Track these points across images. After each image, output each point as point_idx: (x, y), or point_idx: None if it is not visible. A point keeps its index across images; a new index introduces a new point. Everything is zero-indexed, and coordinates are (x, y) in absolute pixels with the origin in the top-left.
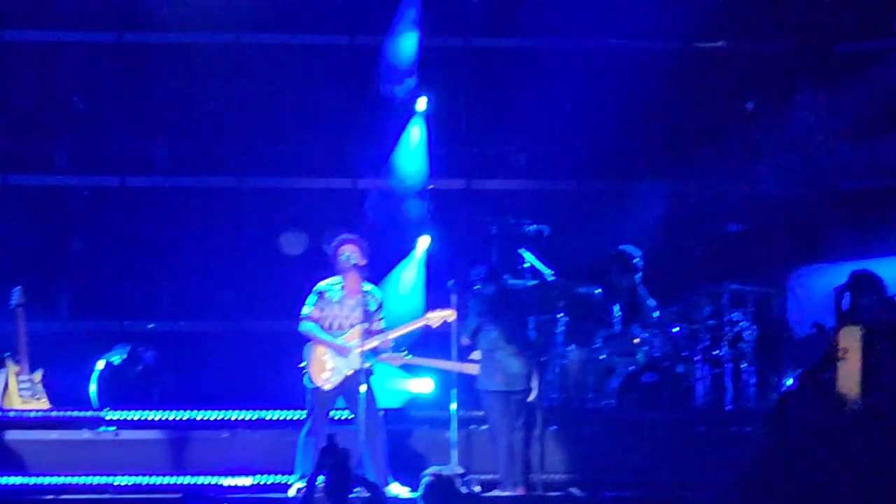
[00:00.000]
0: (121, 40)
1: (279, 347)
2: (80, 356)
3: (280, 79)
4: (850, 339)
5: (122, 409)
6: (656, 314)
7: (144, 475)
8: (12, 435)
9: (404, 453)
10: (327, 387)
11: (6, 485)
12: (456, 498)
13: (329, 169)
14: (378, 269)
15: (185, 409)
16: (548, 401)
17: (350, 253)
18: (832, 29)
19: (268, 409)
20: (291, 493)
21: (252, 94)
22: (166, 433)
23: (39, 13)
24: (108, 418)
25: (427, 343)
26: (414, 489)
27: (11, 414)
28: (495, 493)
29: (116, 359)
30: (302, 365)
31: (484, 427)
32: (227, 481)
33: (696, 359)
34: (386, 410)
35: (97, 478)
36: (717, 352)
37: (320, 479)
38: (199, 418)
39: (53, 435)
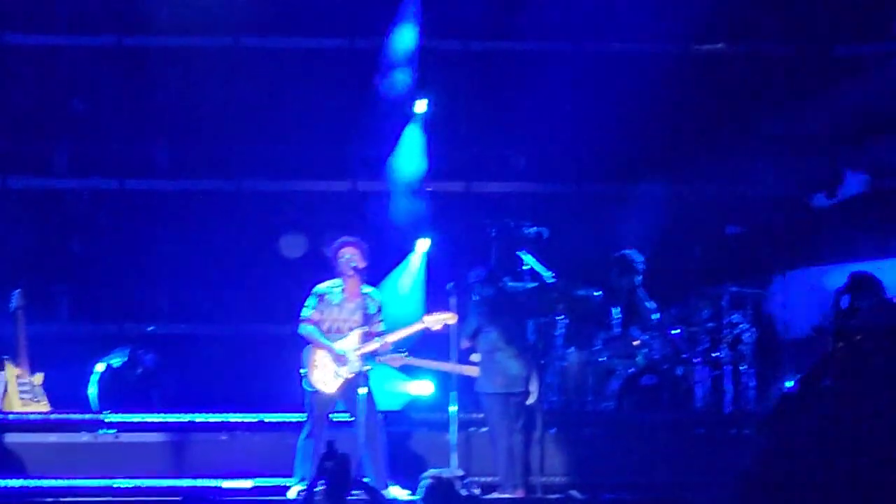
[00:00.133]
0: (120, 43)
1: (279, 350)
2: (79, 359)
3: (279, 82)
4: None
5: (122, 412)
6: (656, 316)
7: (144, 478)
8: (12, 437)
9: (404, 456)
10: (326, 390)
11: (6, 487)
12: (455, 500)
13: (329, 171)
14: (377, 271)
15: (184, 412)
16: (547, 403)
17: (350, 255)
18: (832, 31)
19: (267, 412)
20: (291, 495)
21: (251, 96)
22: (166, 436)
23: (39, 16)
24: (107, 421)
25: (426, 345)
26: (414, 491)
27: (11, 417)
28: (495, 495)
29: (116, 361)
30: (303, 372)
31: (483, 429)
32: (227, 484)
33: (695, 361)
34: (385, 413)
35: (97, 480)
36: (717, 354)
37: (320, 484)
38: (198, 421)
39: (53, 437)
